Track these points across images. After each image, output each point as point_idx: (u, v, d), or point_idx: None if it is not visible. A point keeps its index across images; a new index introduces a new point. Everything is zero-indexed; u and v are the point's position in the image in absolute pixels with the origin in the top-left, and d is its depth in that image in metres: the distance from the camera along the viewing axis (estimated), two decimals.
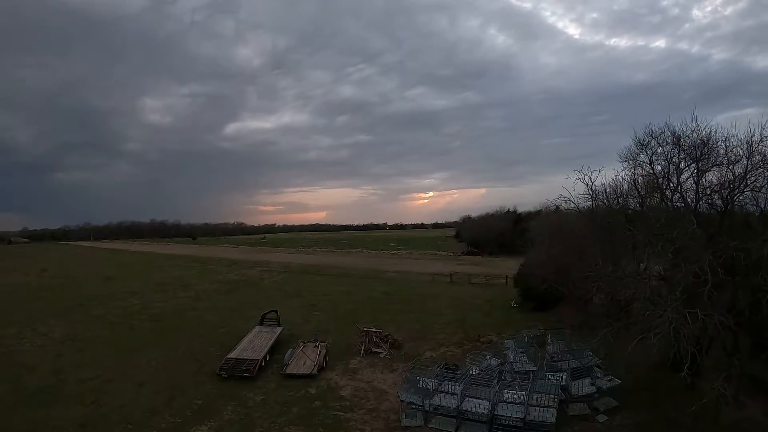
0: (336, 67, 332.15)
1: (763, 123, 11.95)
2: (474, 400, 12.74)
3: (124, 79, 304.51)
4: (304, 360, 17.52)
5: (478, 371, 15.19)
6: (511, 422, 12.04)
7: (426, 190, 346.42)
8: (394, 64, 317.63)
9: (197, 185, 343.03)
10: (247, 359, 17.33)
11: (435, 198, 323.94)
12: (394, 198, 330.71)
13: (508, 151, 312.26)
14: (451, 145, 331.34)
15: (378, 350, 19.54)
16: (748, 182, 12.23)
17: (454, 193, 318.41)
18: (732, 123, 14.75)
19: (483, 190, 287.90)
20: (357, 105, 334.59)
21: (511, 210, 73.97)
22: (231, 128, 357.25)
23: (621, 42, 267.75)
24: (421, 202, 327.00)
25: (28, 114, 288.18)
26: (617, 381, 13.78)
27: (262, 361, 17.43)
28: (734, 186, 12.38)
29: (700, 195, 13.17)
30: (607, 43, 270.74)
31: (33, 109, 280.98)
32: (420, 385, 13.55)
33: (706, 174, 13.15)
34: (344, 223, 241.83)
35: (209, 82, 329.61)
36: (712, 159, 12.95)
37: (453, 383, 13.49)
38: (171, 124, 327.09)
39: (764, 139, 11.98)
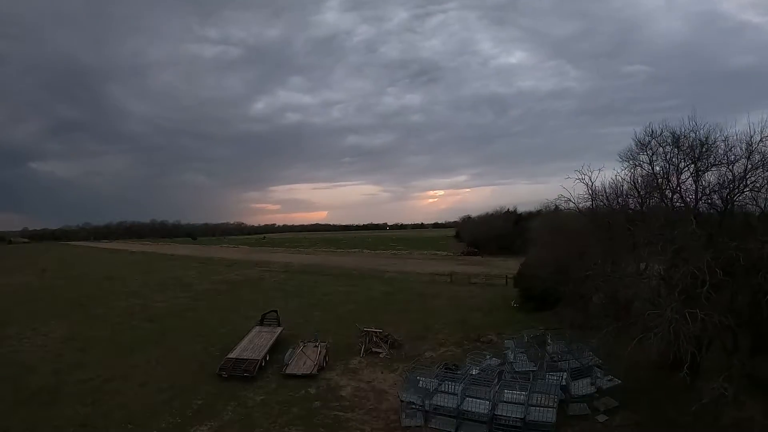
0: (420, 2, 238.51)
1: (763, 123, 12.00)
2: (474, 400, 12.73)
3: (124, 14, 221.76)
4: (304, 360, 17.52)
5: (478, 371, 15.20)
6: (511, 422, 12.03)
7: (452, 187, 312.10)
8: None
9: (203, 182, 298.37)
10: (247, 359, 17.33)
11: (444, 197, 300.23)
12: (404, 197, 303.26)
13: (559, 141, 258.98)
14: (511, 130, 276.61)
15: (378, 350, 19.54)
16: (748, 182, 12.24)
17: (466, 191, 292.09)
18: (732, 123, 14.71)
19: (497, 188, 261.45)
20: (426, 68, 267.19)
21: (511, 210, 74.09)
22: (262, 104, 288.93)
23: (755, 16, 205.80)
24: (431, 201, 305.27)
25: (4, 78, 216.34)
26: (617, 381, 13.78)
27: (262, 361, 17.43)
28: (734, 186, 12.39)
29: (700, 195, 13.18)
30: (743, 14, 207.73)
31: (10, 72, 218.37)
32: (420, 385, 13.55)
33: (706, 174, 13.17)
34: (344, 223, 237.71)
35: (248, 22, 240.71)
36: (711, 159, 12.96)
37: (453, 383, 13.48)
38: (183, 93, 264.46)
39: (764, 139, 12.00)
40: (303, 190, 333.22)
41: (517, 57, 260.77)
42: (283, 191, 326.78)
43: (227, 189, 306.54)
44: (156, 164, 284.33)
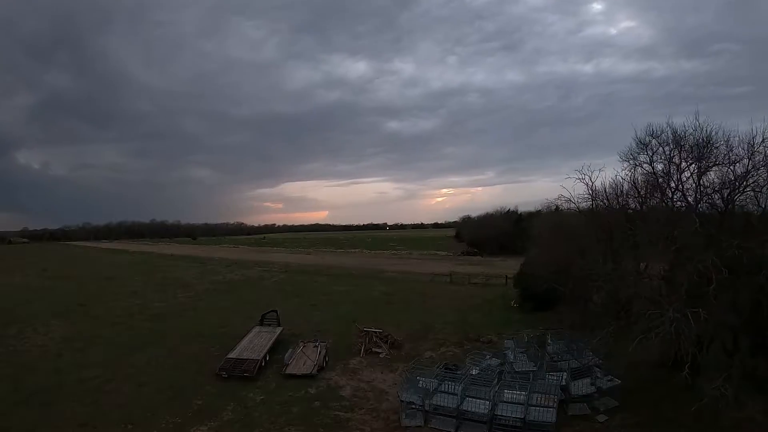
0: None
1: (765, 124, 12.01)
2: (474, 400, 12.72)
3: None
4: (304, 360, 17.51)
5: (478, 371, 15.18)
6: (511, 422, 12.03)
7: (471, 185, 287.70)
8: None
9: (208, 176, 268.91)
10: (247, 359, 17.32)
11: (453, 195, 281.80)
12: (415, 195, 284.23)
13: (606, 132, 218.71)
14: (564, 118, 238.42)
15: (378, 350, 19.53)
16: (749, 182, 12.24)
17: (477, 190, 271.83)
18: (734, 123, 14.72)
19: (516, 186, 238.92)
20: (505, 29, 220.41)
21: (511, 210, 74.23)
22: (301, 76, 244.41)
23: None
24: (438, 200, 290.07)
25: None
26: (617, 381, 13.76)
27: (262, 361, 17.42)
28: (735, 186, 12.39)
29: (701, 195, 13.17)
30: None
31: None
32: (420, 385, 13.53)
33: (707, 173, 13.16)
34: (345, 223, 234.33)
35: None
36: (713, 159, 12.96)
37: (453, 383, 13.47)
38: (200, 53, 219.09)
39: (765, 140, 12.01)
40: (315, 188, 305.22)
41: (618, 27, 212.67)
42: (294, 189, 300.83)
43: (235, 185, 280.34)
44: (156, 156, 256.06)
